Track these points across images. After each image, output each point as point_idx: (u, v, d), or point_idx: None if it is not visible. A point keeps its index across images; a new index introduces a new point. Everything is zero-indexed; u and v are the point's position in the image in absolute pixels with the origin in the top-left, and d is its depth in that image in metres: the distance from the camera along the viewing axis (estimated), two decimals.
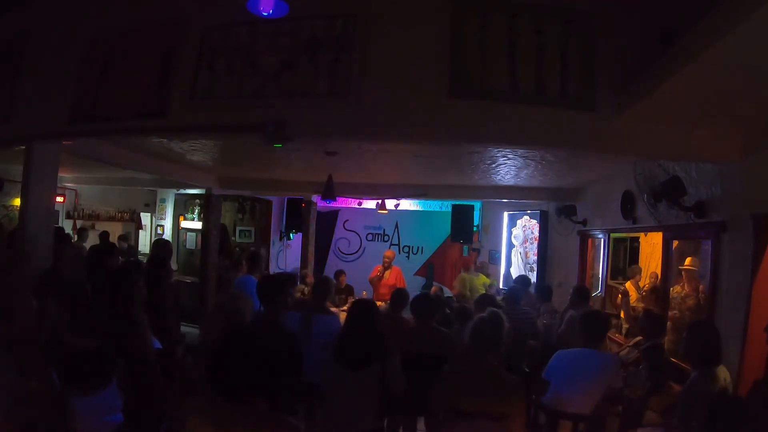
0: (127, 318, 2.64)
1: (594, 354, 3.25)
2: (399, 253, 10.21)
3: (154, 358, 2.60)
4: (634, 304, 5.25)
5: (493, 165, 4.95)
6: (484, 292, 6.21)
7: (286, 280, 3.75)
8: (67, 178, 7.81)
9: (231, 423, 1.42)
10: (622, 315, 5.30)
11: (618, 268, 5.93)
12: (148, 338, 2.68)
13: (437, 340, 3.56)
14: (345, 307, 6.62)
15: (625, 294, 5.31)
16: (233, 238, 9.45)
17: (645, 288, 5.15)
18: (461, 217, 7.61)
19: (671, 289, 4.15)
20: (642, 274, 5.48)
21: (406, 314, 4.01)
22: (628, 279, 5.51)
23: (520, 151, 4.24)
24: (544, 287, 5.72)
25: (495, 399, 2.41)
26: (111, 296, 2.76)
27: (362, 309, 3.06)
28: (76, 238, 7.58)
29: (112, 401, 2.38)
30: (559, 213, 6.50)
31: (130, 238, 8.93)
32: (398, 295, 4.25)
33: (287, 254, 9.96)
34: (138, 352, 2.52)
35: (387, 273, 7.24)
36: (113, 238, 8.03)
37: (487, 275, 7.34)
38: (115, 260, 4.62)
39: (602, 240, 5.64)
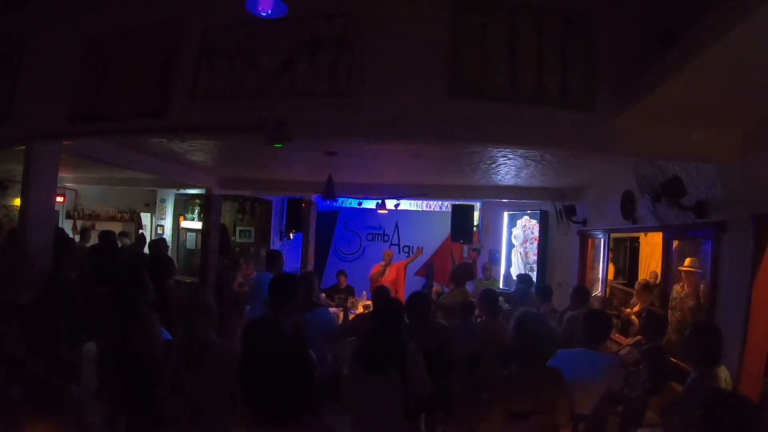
0: (134, 316, 2.61)
1: (594, 355, 3.22)
2: (399, 253, 10.21)
3: (159, 357, 2.57)
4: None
5: (493, 165, 4.95)
6: None
7: (299, 282, 3.54)
8: (67, 178, 7.80)
9: None
10: (630, 314, 5.28)
11: (619, 269, 5.94)
12: (155, 336, 2.65)
13: (436, 334, 3.56)
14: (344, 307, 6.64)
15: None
16: (233, 238, 9.45)
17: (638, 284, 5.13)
18: (461, 217, 7.61)
19: (672, 288, 4.15)
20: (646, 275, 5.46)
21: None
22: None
23: (520, 151, 4.24)
24: (544, 287, 5.71)
25: (543, 394, 2.35)
26: (117, 294, 2.74)
27: (389, 310, 3.03)
28: (78, 239, 7.58)
29: None
30: (559, 213, 6.49)
31: (130, 236, 8.92)
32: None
33: (287, 254, 9.96)
34: (142, 349, 2.49)
35: (388, 269, 7.31)
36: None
37: (488, 279, 7.32)
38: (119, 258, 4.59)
39: (602, 240, 5.63)
